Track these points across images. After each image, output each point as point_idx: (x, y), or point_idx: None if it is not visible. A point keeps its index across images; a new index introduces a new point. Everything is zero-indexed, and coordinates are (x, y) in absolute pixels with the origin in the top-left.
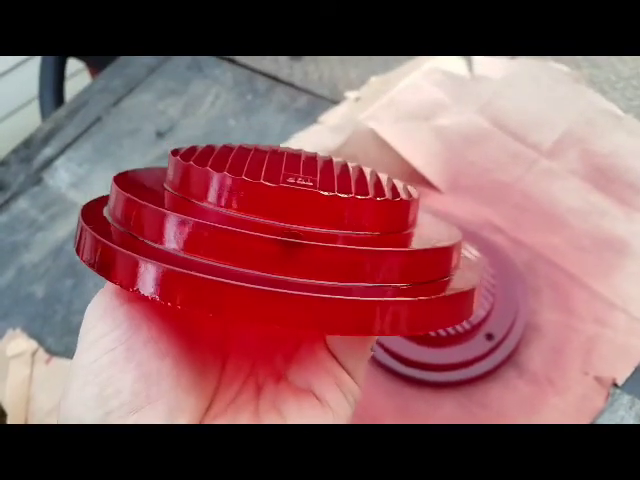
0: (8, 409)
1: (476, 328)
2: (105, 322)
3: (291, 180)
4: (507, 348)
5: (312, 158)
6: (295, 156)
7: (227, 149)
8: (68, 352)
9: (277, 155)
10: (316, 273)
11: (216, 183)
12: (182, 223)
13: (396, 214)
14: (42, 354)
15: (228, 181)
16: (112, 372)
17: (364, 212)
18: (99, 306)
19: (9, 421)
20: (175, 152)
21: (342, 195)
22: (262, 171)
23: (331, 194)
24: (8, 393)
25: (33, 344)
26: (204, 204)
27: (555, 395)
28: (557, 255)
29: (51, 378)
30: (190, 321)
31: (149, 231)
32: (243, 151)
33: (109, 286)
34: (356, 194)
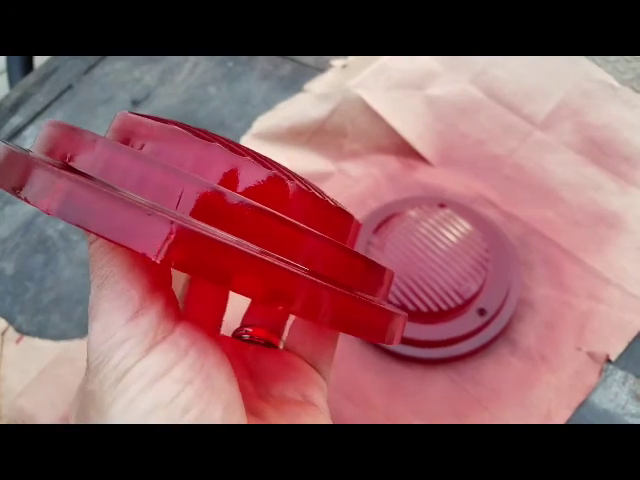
0: None
1: (468, 303)
2: (162, 353)
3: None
4: (500, 324)
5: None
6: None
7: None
8: (40, 332)
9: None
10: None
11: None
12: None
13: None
14: (12, 333)
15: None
16: (201, 406)
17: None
18: (130, 337)
19: None
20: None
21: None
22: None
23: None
24: None
25: (2, 323)
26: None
27: (548, 371)
28: (550, 230)
29: (22, 358)
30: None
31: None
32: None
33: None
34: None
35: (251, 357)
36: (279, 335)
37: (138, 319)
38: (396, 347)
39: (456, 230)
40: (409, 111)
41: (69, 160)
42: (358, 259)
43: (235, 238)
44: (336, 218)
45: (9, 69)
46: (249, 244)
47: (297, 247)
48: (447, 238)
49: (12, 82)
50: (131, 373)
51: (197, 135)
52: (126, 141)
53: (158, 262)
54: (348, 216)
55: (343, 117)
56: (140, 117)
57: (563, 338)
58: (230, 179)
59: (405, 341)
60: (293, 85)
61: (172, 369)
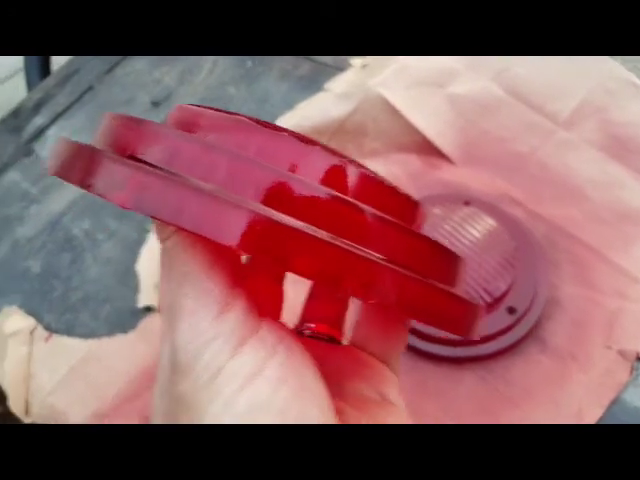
0: (8, 389)
1: (497, 301)
2: (252, 350)
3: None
4: (529, 322)
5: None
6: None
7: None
8: (68, 330)
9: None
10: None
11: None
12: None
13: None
14: (41, 332)
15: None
16: (299, 407)
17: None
18: (219, 335)
19: (10, 402)
20: None
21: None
22: None
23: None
24: (7, 372)
25: (31, 321)
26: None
27: (578, 370)
28: (576, 228)
29: (51, 356)
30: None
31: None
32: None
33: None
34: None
35: (320, 354)
36: (341, 330)
37: (224, 316)
38: (425, 345)
39: (482, 228)
40: (430, 109)
41: (135, 152)
42: (437, 247)
43: (323, 231)
44: (406, 206)
45: (27, 71)
46: (338, 237)
47: (377, 236)
48: (473, 236)
49: (30, 84)
50: (224, 372)
51: (264, 125)
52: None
53: (244, 254)
54: (416, 203)
55: (364, 116)
56: (201, 108)
57: (592, 336)
58: (301, 167)
59: (434, 339)
60: (312, 85)
61: (264, 368)
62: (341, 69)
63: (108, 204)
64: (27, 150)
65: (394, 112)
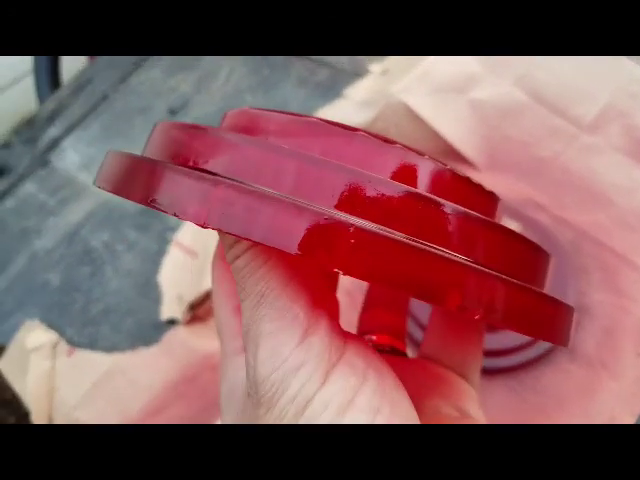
0: (31, 404)
1: None
2: (341, 378)
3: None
4: None
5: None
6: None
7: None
8: (91, 344)
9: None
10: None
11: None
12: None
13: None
14: (63, 346)
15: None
16: None
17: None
18: (306, 362)
19: (33, 416)
20: None
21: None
22: None
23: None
24: (30, 388)
25: (53, 336)
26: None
27: (609, 378)
28: (603, 234)
29: (74, 371)
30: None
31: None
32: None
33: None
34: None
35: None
36: (403, 340)
37: (309, 339)
38: None
39: None
40: (453, 115)
41: (198, 163)
42: (528, 244)
43: (417, 239)
44: (489, 201)
45: (37, 81)
46: (433, 243)
47: (472, 238)
48: None
49: (40, 94)
50: (313, 405)
51: (338, 126)
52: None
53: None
54: (496, 198)
55: (386, 123)
56: (263, 111)
57: (622, 344)
58: (384, 169)
59: None
60: (330, 91)
61: (356, 397)
62: (359, 75)
63: (127, 215)
64: (43, 161)
65: (416, 119)
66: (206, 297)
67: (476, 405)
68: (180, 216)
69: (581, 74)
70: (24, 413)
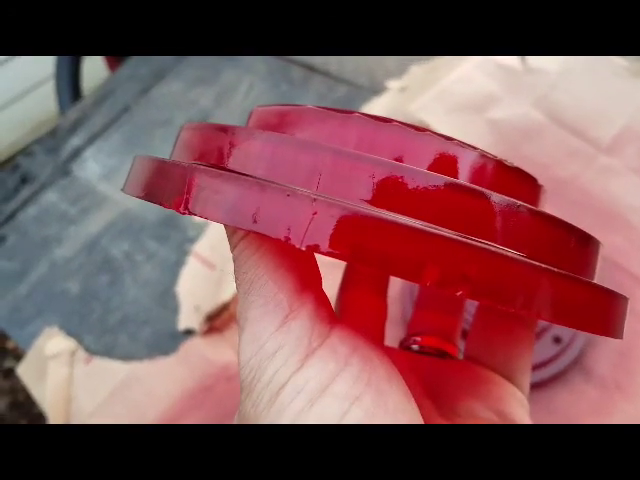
0: (48, 411)
1: (543, 331)
2: (319, 362)
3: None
4: (574, 351)
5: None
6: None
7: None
8: (108, 352)
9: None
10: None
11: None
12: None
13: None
14: (81, 354)
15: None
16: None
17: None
18: (283, 345)
19: (50, 422)
20: None
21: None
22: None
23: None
24: (48, 394)
25: (72, 343)
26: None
27: (624, 400)
28: (620, 255)
29: (92, 379)
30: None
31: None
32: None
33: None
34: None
35: (427, 371)
36: (454, 343)
37: (289, 324)
38: None
39: None
40: (471, 134)
41: (228, 163)
42: (578, 232)
43: (459, 232)
44: (531, 185)
45: (58, 91)
46: (477, 237)
47: (519, 230)
48: None
49: (62, 104)
50: (285, 390)
51: (370, 117)
52: None
53: (331, 254)
54: (538, 185)
55: None
56: (291, 107)
57: (638, 366)
58: (409, 157)
59: None
60: (348, 107)
61: (333, 382)
62: (377, 91)
63: (147, 226)
64: (65, 171)
65: None
66: (223, 308)
67: (522, 409)
68: (210, 218)
69: (599, 96)
70: (36, 416)
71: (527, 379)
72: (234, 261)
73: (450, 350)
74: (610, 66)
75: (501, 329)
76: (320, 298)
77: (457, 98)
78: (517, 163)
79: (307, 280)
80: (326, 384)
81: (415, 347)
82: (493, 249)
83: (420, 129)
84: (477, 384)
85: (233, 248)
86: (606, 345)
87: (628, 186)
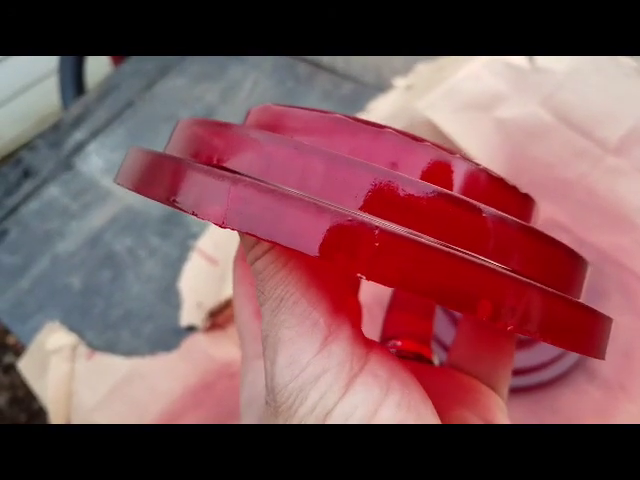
0: (49, 406)
1: None
2: (363, 388)
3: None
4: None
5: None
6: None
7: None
8: (110, 347)
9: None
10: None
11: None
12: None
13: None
14: (83, 349)
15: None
16: None
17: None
18: (326, 370)
19: (51, 417)
20: None
21: None
22: None
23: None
24: (49, 389)
25: (73, 338)
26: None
27: (627, 400)
28: (625, 256)
29: (93, 374)
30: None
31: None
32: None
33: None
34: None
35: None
36: (430, 346)
37: (330, 347)
38: None
39: None
40: (478, 133)
41: (222, 161)
42: (566, 250)
43: (452, 244)
44: (525, 204)
45: (62, 86)
46: (466, 249)
47: (508, 244)
48: None
49: (65, 99)
50: (333, 417)
51: (362, 123)
52: None
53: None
54: (532, 201)
55: None
56: (287, 107)
57: None
58: (416, 169)
59: None
60: (354, 105)
61: (380, 409)
62: (382, 89)
63: (150, 221)
64: (67, 165)
65: (442, 136)
66: (226, 305)
67: (505, 418)
68: (199, 215)
69: (607, 96)
70: (35, 411)
71: (507, 388)
72: (256, 274)
73: (427, 354)
74: (618, 66)
75: (488, 340)
76: (355, 320)
77: (464, 96)
78: (523, 162)
79: (341, 300)
80: (373, 411)
81: (393, 351)
82: (475, 259)
83: (418, 139)
84: (464, 392)
85: (254, 260)
86: (610, 346)
87: (635, 187)
